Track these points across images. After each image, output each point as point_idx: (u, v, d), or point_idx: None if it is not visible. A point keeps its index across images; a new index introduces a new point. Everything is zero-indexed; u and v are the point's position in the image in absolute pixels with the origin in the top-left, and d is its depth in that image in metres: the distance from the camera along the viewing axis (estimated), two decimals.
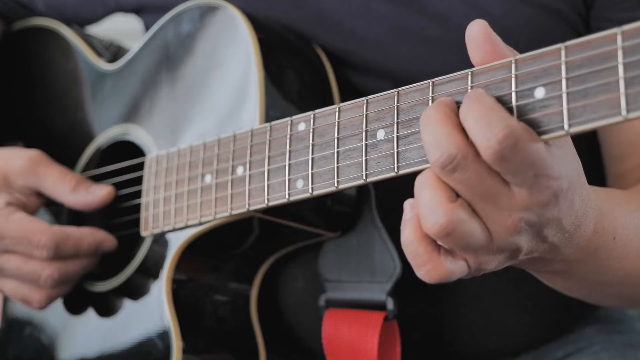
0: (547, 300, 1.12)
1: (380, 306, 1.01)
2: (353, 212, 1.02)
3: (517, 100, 0.72)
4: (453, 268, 0.76)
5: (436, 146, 0.71)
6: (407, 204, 0.77)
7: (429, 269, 0.75)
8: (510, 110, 0.72)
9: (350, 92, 1.08)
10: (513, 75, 0.73)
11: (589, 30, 1.07)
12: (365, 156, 0.84)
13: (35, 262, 1.07)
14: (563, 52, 0.71)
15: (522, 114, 0.72)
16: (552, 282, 0.90)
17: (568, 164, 0.73)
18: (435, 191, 0.73)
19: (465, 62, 1.03)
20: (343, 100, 1.07)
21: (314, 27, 1.08)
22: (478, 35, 0.74)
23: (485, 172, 0.71)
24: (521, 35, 1.04)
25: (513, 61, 0.74)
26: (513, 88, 0.73)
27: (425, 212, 0.73)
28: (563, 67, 0.70)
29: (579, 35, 1.06)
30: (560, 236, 0.77)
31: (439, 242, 0.75)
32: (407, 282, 1.01)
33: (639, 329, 1.23)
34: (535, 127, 0.71)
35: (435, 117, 0.72)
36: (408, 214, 0.76)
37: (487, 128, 0.69)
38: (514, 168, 0.70)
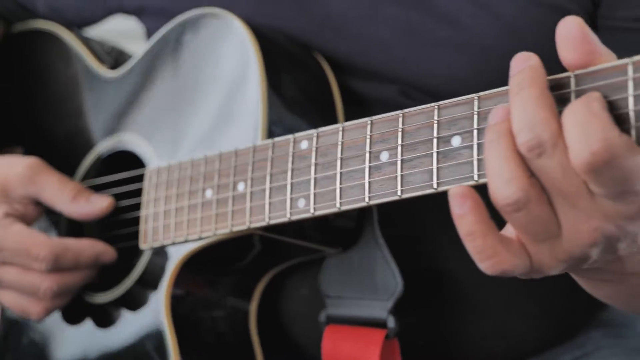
0: (553, 304, 1.11)
1: (381, 324, 1.00)
2: (355, 229, 1.01)
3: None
4: (517, 262, 0.72)
5: (529, 128, 0.67)
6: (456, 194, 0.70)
7: (493, 263, 0.72)
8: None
9: (353, 100, 1.07)
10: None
11: (595, 30, 1.05)
12: (369, 178, 0.83)
13: (34, 274, 1.06)
14: (573, 81, 0.70)
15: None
16: (594, 289, 0.86)
17: None
18: (510, 163, 0.69)
19: (472, 64, 1.03)
20: (346, 109, 1.06)
21: (320, 32, 1.07)
22: (573, 33, 0.69)
23: (571, 168, 0.67)
24: (530, 37, 1.02)
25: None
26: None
27: (498, 183, 0.69)
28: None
29: None
30: (629, 250, 0.73)
31: (505, 217, 0.71)
32: (412, 289, 1.01)
33: None
34: None
35: (530, 94, 0.68)
36: (466, 206, 0.70)
37: (584, 136, 0.65)
38: (602, 182, 0.66)
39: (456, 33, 1.03)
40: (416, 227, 1.08)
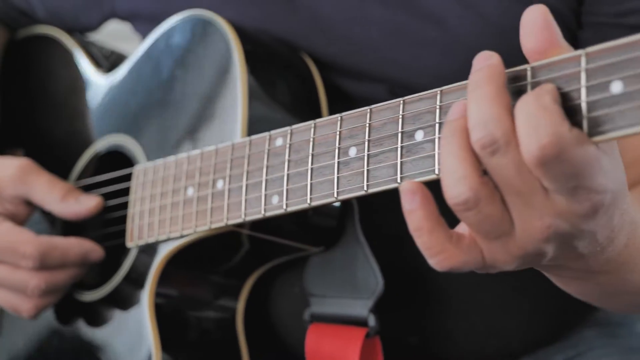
0: (545, 303, 1.10)
1: (362, 322, 1.00)
2: (336, 227, 1.01)
3: None
4: (467, 259, 0.72)
5: (482, 126, 0.67)
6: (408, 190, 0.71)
7: (442, 259, 0.71)
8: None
9: (343, 100, 1.08)
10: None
11: (579, 27, 1.05)
12: (337, 174, 0.83)
13: (22, 272, 1.07)
14: (529, 73, 0.70)
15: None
16: (565, 286, 0.85)
17: (616, 176, 0.69)
18: (463, 161, 0.68)
19: (460, 63, 1.02)
20: (336, 108, 1.06)
21: (308, 34, 1.08)
22: (537, 20, 0.69)
23: (524, 165, 0.67)
24: (515, 36, 1.02)
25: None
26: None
27: (449, 181, 0.68)
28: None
29: (571, 32, 1.04)
30: (592, 249, 0.73)
31: (456, 215, 0.70)
32: (400, 287, 1.00)
33: (639, 332, 1.21)
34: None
35: (486, 92, 0.68)
36: (415, 201, 0.71)
37: (533, 130, 0.64)
38: (553, 177, 0.66)
39: (442, 33, 1.03)
40: (404, 226, 1.08)
